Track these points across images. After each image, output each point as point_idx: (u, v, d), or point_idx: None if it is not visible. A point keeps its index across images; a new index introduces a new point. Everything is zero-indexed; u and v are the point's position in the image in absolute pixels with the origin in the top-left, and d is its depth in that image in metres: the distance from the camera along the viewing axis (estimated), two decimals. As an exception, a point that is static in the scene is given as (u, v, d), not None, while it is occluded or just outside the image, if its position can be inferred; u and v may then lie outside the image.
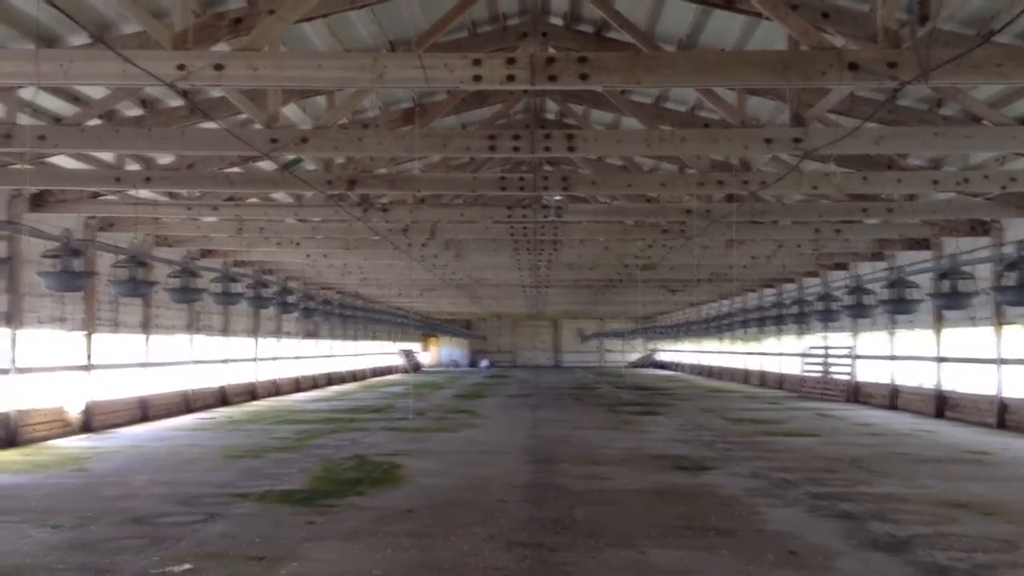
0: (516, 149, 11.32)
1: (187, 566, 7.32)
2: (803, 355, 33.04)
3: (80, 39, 9.90)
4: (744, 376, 41.55)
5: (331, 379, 40.08)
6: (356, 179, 13.89)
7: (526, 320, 66.81)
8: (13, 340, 15.81)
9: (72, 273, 15.47)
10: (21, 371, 15.96)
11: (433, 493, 10.89)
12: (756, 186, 13.77)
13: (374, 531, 8.72)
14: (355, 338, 46.69)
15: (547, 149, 11.30)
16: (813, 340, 32.15)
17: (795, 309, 26.62)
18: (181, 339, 24.16)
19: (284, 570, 7.25)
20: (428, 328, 63.38)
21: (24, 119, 11.57)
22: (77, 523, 8.99)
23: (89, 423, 18.16)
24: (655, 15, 11.81)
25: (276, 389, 31.63)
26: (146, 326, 21.86)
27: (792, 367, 34.62)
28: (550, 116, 17.44)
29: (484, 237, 21.00)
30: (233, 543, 8.16)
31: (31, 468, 12.99)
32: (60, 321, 17.63)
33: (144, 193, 16.72)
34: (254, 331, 30.27)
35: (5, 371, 15.60)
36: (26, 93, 11.23)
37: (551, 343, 70.72)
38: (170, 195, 17.08)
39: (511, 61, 8.05)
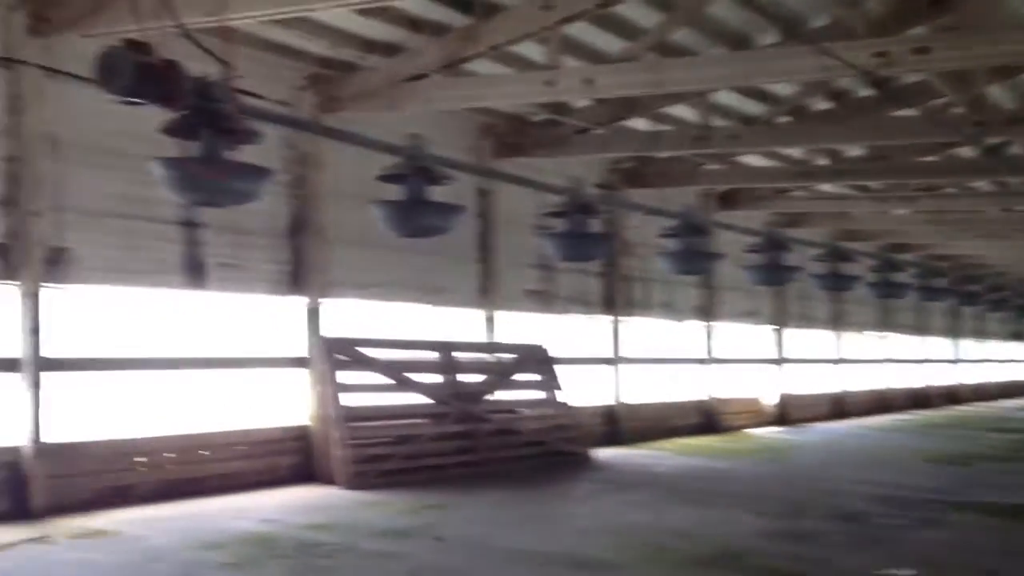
0: None
1: (911, 572, 7.04)
2: None
3: (768, 39, 10.26)
4: None
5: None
6: (1085, 160, 12.08)
7: None
8: (709, 332, 17.23)
9: (776, 267, 16.26)
10: (717, 362, 17.32)
11: None
12: None
13: None
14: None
15: None
16: None
17: None
18: (872, 336, 23.94)
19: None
20: None
21: (717, 121, 12.43)
22: (782, 512, 9.23)
23: (782, 415, 18.97)
24: None
25: (979, 393, 29.73)
26: (836, 322, 22.04)
27: None
28: None
29: None
30: (957, 554, 7.63)
31: (732, 454, 13.91)
32: (751, 315, 18.67)
33: (827, 187, 16.84)
34: (953, 331, 28.79)
35: (703, 361, 17.08)
36: (720, 96, 12.04)
37: None
38: (858, 188, 16.91)
39: None
